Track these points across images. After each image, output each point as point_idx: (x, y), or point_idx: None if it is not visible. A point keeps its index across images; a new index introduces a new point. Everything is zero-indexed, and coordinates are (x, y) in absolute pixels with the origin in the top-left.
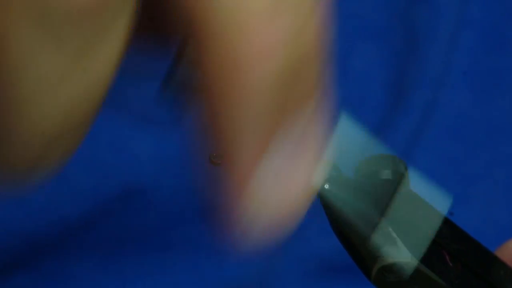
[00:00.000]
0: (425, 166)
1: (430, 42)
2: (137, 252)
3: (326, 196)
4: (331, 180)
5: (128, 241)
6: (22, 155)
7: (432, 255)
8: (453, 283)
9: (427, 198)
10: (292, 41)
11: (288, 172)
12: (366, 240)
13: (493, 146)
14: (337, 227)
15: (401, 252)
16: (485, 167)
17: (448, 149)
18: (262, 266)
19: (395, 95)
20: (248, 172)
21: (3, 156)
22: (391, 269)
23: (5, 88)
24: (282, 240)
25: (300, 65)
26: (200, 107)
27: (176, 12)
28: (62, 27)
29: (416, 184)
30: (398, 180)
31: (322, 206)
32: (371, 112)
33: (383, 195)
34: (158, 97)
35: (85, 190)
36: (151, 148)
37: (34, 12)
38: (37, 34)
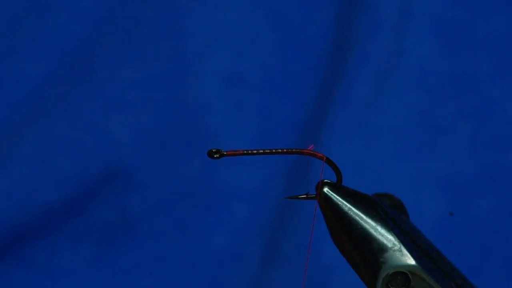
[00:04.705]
0: (392, 115)
1: None
2: (127, 239)
3: (326, 200)
4: (330, 185)
5: (116, 227)
6: None
7: (438, 274)
8: None
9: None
10: None
11: None
12: (369, 245)
13: (458, 96)
14: (337, 234)
15: (405, 256)
16: (451, 117)
17: (414, 99)
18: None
19: (344, 44)
20: None
21: None
22: (396, 278)
23: None
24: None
25: None
26: None
27: None
28: None
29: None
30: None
31: (322, 212)
32: (323, 62)
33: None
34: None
35: (67, 175)
36: (130, 131)
37: None
38: None
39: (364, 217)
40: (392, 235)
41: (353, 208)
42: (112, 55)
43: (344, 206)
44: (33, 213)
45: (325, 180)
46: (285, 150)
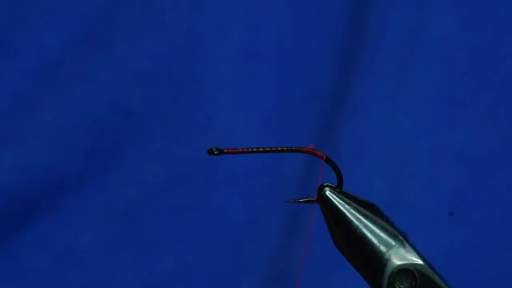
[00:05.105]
0: (412, 87)
1: None
2: (145, 214)
3: (326, 201)
4: (331, 187)
5: (134, 202)
6: None
7: None
8: None
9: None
10: None
11: None
12: (373, 242)
13: (479, 71)
14: (339, 234)
15: (410, 253)
16: (471, 91)
17: (436, 73)
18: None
19: (365, 17)
20: None
21: None
22: (402, 278)
23: None
24: None
25: None
26: None
27: None
28: None
29: None
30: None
31: (324, 213)
32: (342, 35)
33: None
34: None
35: (83, 148)
36: (146, 103)
37: None
38: None
39: (367, 215)
40: (397, 231)
41: (354, 207)
42: (129, 28)
43: (345, 205)
44: (48, 186)
45: (326, 184)
46: (285, 148)
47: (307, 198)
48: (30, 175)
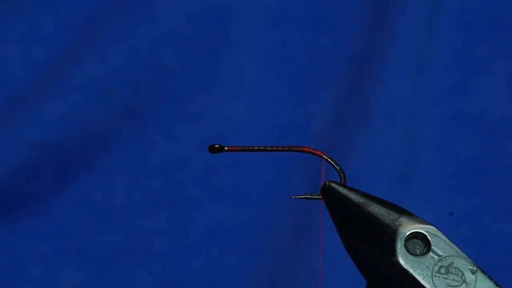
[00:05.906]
0: (434, 56)
1: None
2: (182, 174)
3: (331, 189)
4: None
5: (170, 161)
6: None
7: None
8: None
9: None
10: None
11: None
12: (383, 213)
13: (495, 38)
14: (348, 214)
15: (420, 220)
16: (487, 58)
17: (455, 39)
18: None
19: None
20: None
21: None
22: (415, 244)
23: None
24: None
25: None
26: None
27: None
28: None
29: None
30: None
31: (328, 205)
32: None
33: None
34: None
35: (119, 105)
36: (181, 63)
37: None
38: None
39: (372, 196)
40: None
41: (358, 192)
42: None
43: (349, 191)
44: (86, 143)
45: (329, 180)
46: (286, 148)
47: (311, 194)
48: (68, 130)
